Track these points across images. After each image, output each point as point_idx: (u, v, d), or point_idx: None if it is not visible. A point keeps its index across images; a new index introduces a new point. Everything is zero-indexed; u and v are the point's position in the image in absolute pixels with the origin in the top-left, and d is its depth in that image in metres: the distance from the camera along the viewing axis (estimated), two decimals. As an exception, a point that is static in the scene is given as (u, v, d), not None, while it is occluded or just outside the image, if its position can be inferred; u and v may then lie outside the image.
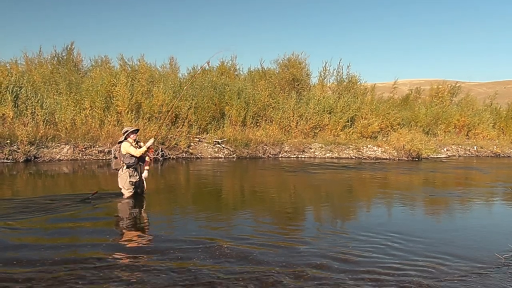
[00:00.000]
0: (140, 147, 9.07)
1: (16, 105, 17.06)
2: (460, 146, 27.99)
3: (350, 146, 22.80)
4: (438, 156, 24.67)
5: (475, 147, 28.34)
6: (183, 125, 19.40)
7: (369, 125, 24.72)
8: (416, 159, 22.06)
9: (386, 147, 22.92)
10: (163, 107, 19.34)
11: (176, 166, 16.59)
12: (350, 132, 24.30)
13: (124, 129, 9.25)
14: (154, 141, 9.28)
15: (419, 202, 11.20)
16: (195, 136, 19.88)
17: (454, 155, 26.45)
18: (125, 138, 9.03)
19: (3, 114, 16.35)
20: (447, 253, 6.36)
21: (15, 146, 15.16)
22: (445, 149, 26.61)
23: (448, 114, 30.68)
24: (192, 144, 19.43)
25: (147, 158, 9.27)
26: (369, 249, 6.42)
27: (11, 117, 16.35)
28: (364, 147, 22.90)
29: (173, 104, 17.14)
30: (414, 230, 7.69)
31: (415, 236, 7.19)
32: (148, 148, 9.08)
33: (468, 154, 27.40)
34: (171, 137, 18.45)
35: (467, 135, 31.07)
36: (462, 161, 23.59)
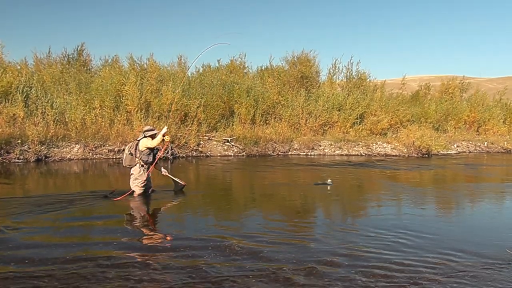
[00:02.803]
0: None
1: (27, 105, 17.17)
2: (470, 142, 27.82)
3: (360, 143, 22.72)
4: (448, 152, 24.52)
5: (485, 143, 28.16)
6: (192, 124, 19.43)
7: (378, 122, 24.62)
8: (426, 156, 21.96)
9: (396, 144, 22.84)
10: (172, 105, 19.39)
11: (185, 165, 16.64)
12: (359, 129, 24.21)
13: (145, 128, 9.42)
14: (167, 128, 9.36)
15: (429, 198, 11.15)
16: (204, 134, 19.91)
17: (464, 151, 26.30)
18: (144, 137, 9.22)
19: (14, 114, 16.46)
20: (458, 249, 6.33)
21: (26, 146, 15.26)
22: (455, 145, 26.45)
23: (458, 110, 30.49)
24: (201, 142, 19.47)
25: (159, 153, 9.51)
26: (380, 245, 6.40)
27: (21, 117, 16.46)
28: (374, 144, 22.82)
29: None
30: (424, 226, 7.66)
31: (425, 233, 7.16)
32: (164, 139, 9.15)
33: (479, 150, 27.24)
34: (180, 136, 18.50)
35: (477, 131, 30.88)
36: (472, 157, 23.45)
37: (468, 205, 10.55)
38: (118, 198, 9.02)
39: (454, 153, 24.87)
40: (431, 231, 7.29)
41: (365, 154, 22.04)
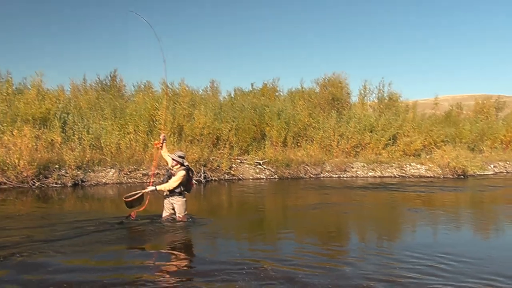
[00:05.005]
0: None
1: (64, 131, 17.59)
2: (507, 162, 27.14)
3: (393, 164, 22.45)
4: (485, 173, 24.00)
5: (523, 162, 27.44)
6: (224, 147, 19.58)
7: (411, 143, 24.31)
8: (462, 177, 21.53)
9: (430, 165, 22.47)
10: (204, 129, 19.60)
11: (218, 188, 16.72)
12: (392, 150, 23.94)
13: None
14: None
15: (466, 221, 10.92)
16: (236, 157, 20.01)
17: (502, 172, 25.67)
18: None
19: (52, 140, 16.88)
20: (498, 273, 6.18)
21: (63, 171, 15.59)
22: (492, 166, 25.86)
23: (493, 129, 29.91)
24: (233, 165, 19.55)
25: None
26: (417, 270, 6.29)
27: (59, 143, 16.86)
28: (407, 165, 22.51)
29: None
30: (462, 250, 7.50)
31: (463, 257, 7.01)
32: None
33: (517, 171, 26.55)
34: (212, 159, 18.63)
35: (515, 150, 30.16)
36: (510, 178, 22.88)
37: (508, 227, 10.28)
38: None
39: (491, 174, 24.31)
40: (470, 255, 7.13)
41: (399, 175, 21.74)
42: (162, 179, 9.37)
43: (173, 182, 8.77)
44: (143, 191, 8.93)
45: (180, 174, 8.81)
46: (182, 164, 8.96)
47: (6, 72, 21.92)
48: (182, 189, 9.01)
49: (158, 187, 8.82)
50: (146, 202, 9.07)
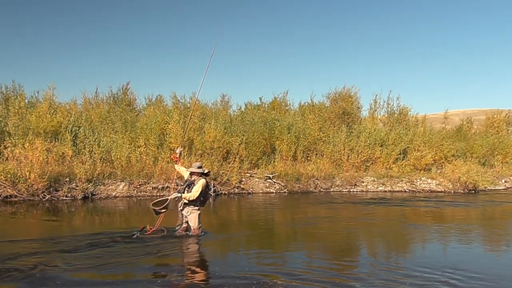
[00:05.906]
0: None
1: (75, 144, 17.73)
2: (519, 177, 26.88)
3: (403, 179, 22.32)
4: (496, 188, 23.80)
5: (535, 178, 27.15)
6: (234, 161, 19.60)
7: (422, 157, 24.17)
8: (473, 192, 21.36)
9: (441, 180, 22.32)
10: (215, 143, 19.65)
11: (227, 202, 16.72)
12: (402, 164, 23.81)
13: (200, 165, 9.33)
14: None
15: (477, 236, 10.82)
16: (246, 171, 20.01)
17: (513, 187, 25.44)
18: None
19: (63, 153, 17.01)
20: (510, 290, 6.12)
21: (73, 184, 15.69)
22: (503, 181, 25.63)
23: (504, 144, 29.67)
24: (243, 179, 19.56)
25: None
26: (427, 285, 6.24)
27: (70, 156, 16.99)
28: (418, 180, 22.38)
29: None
30: (473, 265, 7.44)
31: (474, 272, 6.95)
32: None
33: (529, 186, 26.28)
34: (222, 173, 18.65)
35: (526, 165, 29.85)
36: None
37: (519, 243, 10.18)
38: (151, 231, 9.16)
39: (502, 189, 24.10)
40: (480, 271, 7.07)
41: (409, 190, 21.62)
42: (179, 189, 9.40)
43: (195, 192, 8.86)
44: (169, 197, 9.04)
45: (200, 182, 8.96)
46: (202, 174, 9.09)
47: (17, 86, 22.16)
48: (199, 200, 9.09)
49: (183, 195, 8.90)
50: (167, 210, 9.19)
